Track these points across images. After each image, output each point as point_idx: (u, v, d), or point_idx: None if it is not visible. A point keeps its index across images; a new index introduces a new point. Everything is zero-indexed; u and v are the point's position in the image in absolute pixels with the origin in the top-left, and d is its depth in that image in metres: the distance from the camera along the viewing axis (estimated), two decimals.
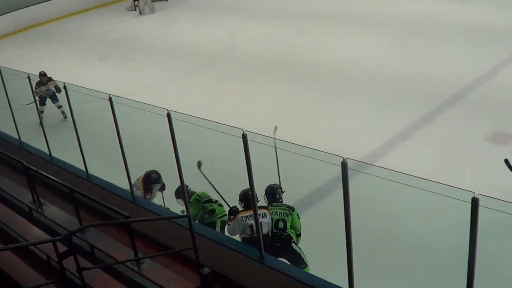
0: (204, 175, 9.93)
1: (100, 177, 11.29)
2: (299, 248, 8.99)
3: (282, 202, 9.21)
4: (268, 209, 8.68)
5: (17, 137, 14.15)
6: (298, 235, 9.09)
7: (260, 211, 8.15)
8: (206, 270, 7.37)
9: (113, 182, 10.90)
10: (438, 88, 16.92)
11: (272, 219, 8.87)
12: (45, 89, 17.97)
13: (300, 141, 6.75)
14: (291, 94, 17.82)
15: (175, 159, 8.30)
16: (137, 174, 10.60)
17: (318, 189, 11.94)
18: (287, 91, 18.15)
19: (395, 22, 24.20)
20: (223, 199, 9.60)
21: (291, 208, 9.13)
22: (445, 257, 9.49)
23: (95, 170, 11.46)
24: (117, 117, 9.52)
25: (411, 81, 17.86)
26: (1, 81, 13.80)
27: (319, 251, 9.83)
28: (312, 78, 18.98)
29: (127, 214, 7.96)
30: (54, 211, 10.05)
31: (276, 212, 9.03)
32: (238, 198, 8.86)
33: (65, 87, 10.68)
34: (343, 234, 6.35)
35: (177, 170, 8.48)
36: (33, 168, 10.07)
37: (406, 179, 5.66)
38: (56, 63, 24.78)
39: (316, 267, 8.76)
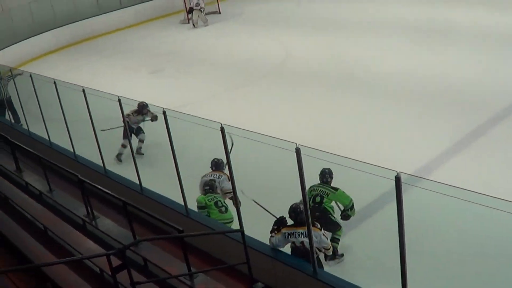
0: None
1: (154, 190, 11.41)
2: (336, 220, 10.33)
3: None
4: (319, 229, 8.59)
5: (71, 149, 14.40)
6: (351, 208, 10.24)
7: (303, 231, 8.45)
8: (259, 285, 7.39)
9: (166, 196, 11.01)
10: (491, 99, 16.71)
11: (312, 195, 10.22)
12: (141, 119, 15.81)
13: (352, 154, 6.74)
14: (344, 107, 17.75)
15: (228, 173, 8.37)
16: (190, 187, 10.65)
17: (371, 203, 11.84)
18: (339, 103, 18.09)
19: (447, 32, 24.09)
20: (274, 216, 9.56)
21: (335, 189, 10.34)
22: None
23: (149, 183, 11.59)
24: (171, 130, 9.63)
25: (462, 91, 17.66)
26: (56, 94, 14.08)
27: (371, 266, 9.80)
28: (365, 89, 18.89)
29: (181, 228, 8.02)
30: (108, 224, 10.18)
31: (315, 189, 10.34)
32: (288, 212, 8.90)
33: (119, 100, 10.84)
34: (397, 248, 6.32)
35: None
36: (87, 181, 10.22)
37: (461, 193, 5.62)
38: (110, 76, 25.22)
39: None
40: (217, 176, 11.51)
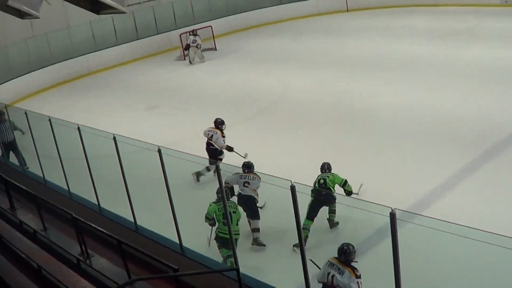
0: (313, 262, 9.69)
1: (149, 228, 11.39)
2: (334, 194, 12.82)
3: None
4: (356, 275, 8.74)
5: (66, 187, 14.39)
6: (344, 184, 13.09)
7: (342, 268, 8.78)
8: None
9: (161, 234, 10.99)
10: (486, 134, 16.94)
11: (317, 180, 13.01)
12: (243, 181, 13.06)
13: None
14: (340, 142, 17.81)
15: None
16: (185, 225, 10.63)
17: (367, 239, 11.83)
18: (337, 139, 18.15)
19: (439, 66, 24.57)
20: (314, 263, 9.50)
21: (332, 174, 13.23)
22: None
23: (144, 221, 11.57)
24: (166, 167, 9.64)
25: (457, 126, 17.91)
26: (51, 132, 14.10)
27: None
28: (361, 125, 19.02)
29: (175, 267, 8.01)
30: (103, 263, 10.13)
31: (319, 176, 13.18)
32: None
33: (114, 138, 10.85)
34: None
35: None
36: (81, 219, 10.19)
37: (454, 229, 5.64)
38: (106, 112, 25.27)
39: None
40: (250, 178, 12.91)
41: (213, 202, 11.77)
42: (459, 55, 25.68)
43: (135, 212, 11.37)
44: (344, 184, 13.14)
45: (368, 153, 16.71)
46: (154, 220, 12.17)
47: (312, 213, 12.33)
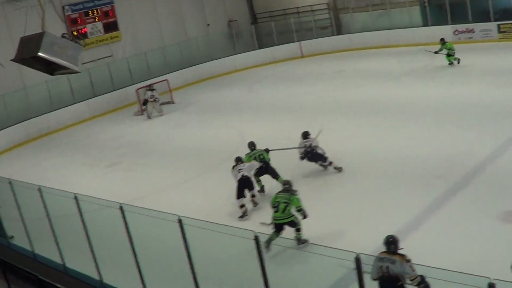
0: None
1: (115, 285, 11.35)
2: None
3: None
4: (406, 260, 9.65)
5: (29, 248, 14.30)
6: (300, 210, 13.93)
7: (391, 258, 9.73)
8: None
9: None
10: (444, 172, 17.15)
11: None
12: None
13: (315, 237, 6.86)
14: (301, 188, 17.81)
15: (189, 265, 8.40)
16: (151, 280, 10.64)
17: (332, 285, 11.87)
18: (295, 184, 18.16)
19: (395, 107, 25.01)
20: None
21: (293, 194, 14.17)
22: None
23: (110, 278, 11.53)
24: (130, 223, 9.67)
25: (416, 166, 18.09)
26: (12, 194, 14.06)
27: None
28: (320, 171, 19.09)
29: None
30: None
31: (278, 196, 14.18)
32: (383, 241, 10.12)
33: (75, 198, 10.87)
34: None
35: (191, 275, 8.57)
36: (46, 280, 10.17)
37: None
38: (67, 171, 25.15)
39: None
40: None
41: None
42: (414, 94, 26.19)
43: (100, 270, 11.34)
44: (299, 210, 13.97)
45: (328, 199, 16.82)
46: (120, 276, 12.13)
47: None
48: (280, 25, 43.98)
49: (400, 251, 9.94)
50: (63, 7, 35.59)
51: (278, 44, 42.66)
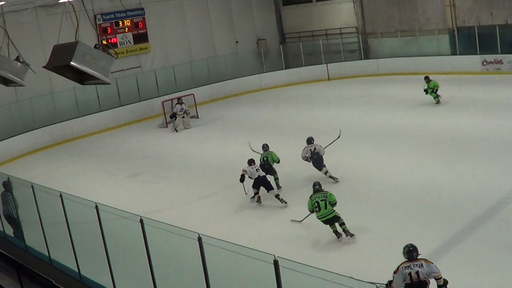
0: None
1: None
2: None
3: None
4: (431, 262, 10.74)
5: (46, 253, 14.28)
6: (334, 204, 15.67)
7: (417, 262, 10.62)
8: None
9: None
10: (465, 206, 16.89)
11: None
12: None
13: (332, 266, 6.78)
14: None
15: (205, 284, 8.33)
16: None
17: None
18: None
19: (414, 134, 24.93)
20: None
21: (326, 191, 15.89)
22: None
23: None
24: (147, 237, 9.62)
25: (436, 195, 17.91)
26: (34, 197, 14.07)
27: None
28: (344, 196, 18.84)
29: None
30: None
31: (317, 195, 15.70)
32: (402, 252, 10.90)
33: (96, 207, 10.84)
34: None
35: None
36: (61, 287, 10.14)
37: None
38: (88, 179, 25.25)
39: None
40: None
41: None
42: (438, 124, 25.91)
43: (115, 281, 11.30)
44: (334, 204, 15.67)
45: (348, 224, 16.60)
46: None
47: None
48: (308, 46, 44.03)
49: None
50: (95, 16, 35.81)
51: (305, 65, 42.68)
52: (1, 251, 13.17)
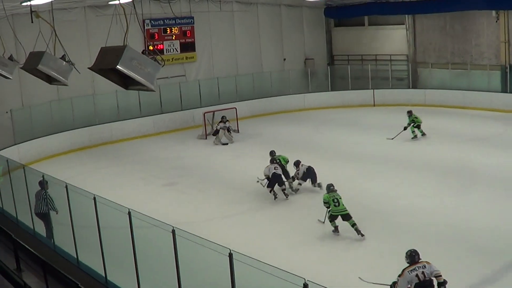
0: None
1: None
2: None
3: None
4: (428, 262, 12.12)
5: (74, 255, 14.37)
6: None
7: (420, 264, 12.03)
8: None
9: None
10: (507, 244, 16.65)
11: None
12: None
13: None
14: (354, 244, 17.60)
15: None
16: None
17: None
18: (349, 239, 17.93)
19: (463, 172, 24.41)
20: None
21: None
22: None
23: None
24: (178, 249, 9.64)
25: (477, 234, 17.62)
26: (67, 199, 14.18)
27: None
28: (381, 227, 18.68)
29: None
30: None
31: (333, 194, 18.31)
32: (405, 256, 12.29)
33: (129, 213, 10.89)
34: None
35: None
36: None
37: None
38: (122, 184, 25.45)
39: None
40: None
41: (326, 193, 18.52)
42: (485, 162, 25.44)
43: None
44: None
45: (387, 256, 16.38)
46: None
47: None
48: (356, 70, 43.95)
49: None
50: (143, 21, 36.02)
51: (352, 89, 42.66)
52: (30, 249, 13.27)
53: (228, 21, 41.52)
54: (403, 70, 43.02)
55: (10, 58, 20.12)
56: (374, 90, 41.90)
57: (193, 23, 39.21)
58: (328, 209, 18.38)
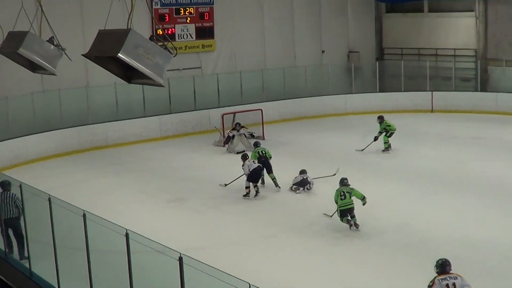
0: None
1: None
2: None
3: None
4: (460, 275, 13.46)
5: (55, 284, 14.37)
6: (363, 199, 21.10)
7: (452, 275, 13.39)
8: None
9: None
10: None
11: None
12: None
13: None
14: (398, 275, 17.54)
15: None
16: None
17: None
18: (394, 270, 17.87)
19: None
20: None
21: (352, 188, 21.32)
22: None
23: None
24: (185, 280, 9.60)
25: None
26: (49, 214, 14.18)
27: None
28: (425, 260, 18.59)
29: None
30: None
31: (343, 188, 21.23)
32: (435, 265, 13.69)
33: (127, 235, 10.87)
34: None
35: None
36: None
37: None
38: (119, 197, 25.48)
39: None
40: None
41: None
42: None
43: None
44: (363, 198, 21.07)
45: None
46: None
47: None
48: (411, 67, 43.84)
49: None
50: None
51: (405, 90, 42.56)
52: (3, 278, 13.26)
53: (256, 4, 41.56)
54: (470, 69, 42.81)
55: None
56: (433, 92, 41.72)
57: (212, 3, 39.25)
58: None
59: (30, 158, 31.11)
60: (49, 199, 14.28)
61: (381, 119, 31.04)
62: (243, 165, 25.01)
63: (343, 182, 21.53)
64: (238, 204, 24.54)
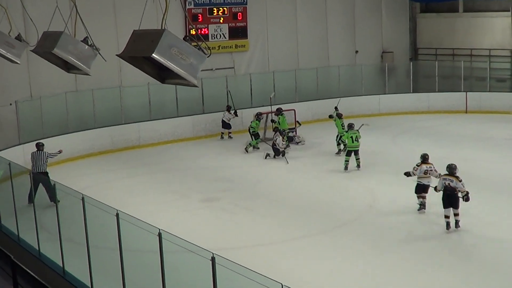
0: None
1: None
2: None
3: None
4: (457, 179, 19.56)
5: (89, 283, 14.46)
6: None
7: (447, 177, 19.59)
8: None
9: None
10: None
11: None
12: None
13: None
14: (429, 279, 17.45)
15: None
16: None
17: None
18: (425, 275, 17.79)
19: None
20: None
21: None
22: None
23: None
24: (218, 280, 9.63)
25: None
26: (83, 214, 14.26)
27: None
28: (462, 264, 18.51)
29: None
30: None
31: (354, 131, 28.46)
32: (447, 166, 19.78)
33: (159, 235, 10.92)
34: None
35: None
36: None
37: None
38: (151, 198, 25.48)
39: None
40: None
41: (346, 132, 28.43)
42: None
43: None
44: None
45: None
46: None
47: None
48: (446, 67, 43.71)
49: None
50: None
51: (439, 91, 42.33)
52: (33, 274, 13.30)
53: (289, 3, 41.52)
54: (506, 69, 42.58)
55: (18, 37, 20.37)
56: (467, 93, 41.46)
57: (246, 3, 39.33)
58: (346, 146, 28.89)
59: (63, 158, 31.13)
60: (83, 199, 14.34)
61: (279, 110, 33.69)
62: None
63: (351, 126, 28.29)
64: (270, 205, 24.55)
